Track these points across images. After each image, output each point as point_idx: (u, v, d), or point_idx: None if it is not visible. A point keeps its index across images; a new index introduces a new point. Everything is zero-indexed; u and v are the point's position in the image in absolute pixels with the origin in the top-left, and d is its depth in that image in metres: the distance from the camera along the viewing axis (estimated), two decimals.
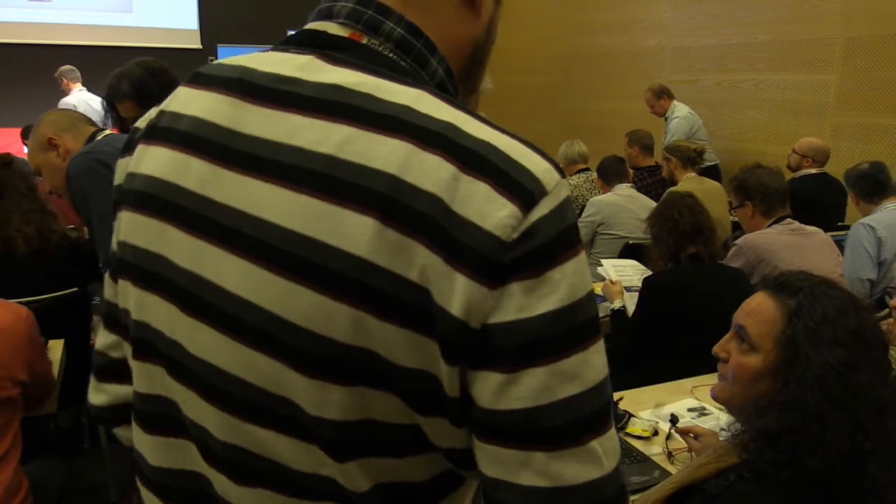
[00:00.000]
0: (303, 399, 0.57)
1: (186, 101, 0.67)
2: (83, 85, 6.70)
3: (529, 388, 0.53)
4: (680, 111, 5.65)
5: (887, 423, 1.11)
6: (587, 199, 4.36)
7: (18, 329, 1.79)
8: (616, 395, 2.00)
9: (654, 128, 5.87)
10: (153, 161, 0.67)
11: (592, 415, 0.55)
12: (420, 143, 0.55)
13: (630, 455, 1.82)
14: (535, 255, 0.54)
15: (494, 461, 0.55)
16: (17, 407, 1.83)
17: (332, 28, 0.64)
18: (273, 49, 0.66)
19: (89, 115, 2.91)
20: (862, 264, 3.27)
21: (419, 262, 0.53)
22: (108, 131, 2.34)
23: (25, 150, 5.72)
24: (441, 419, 0.57)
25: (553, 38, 7.87)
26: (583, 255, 0.57)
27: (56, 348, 2.32)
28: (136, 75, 2.40)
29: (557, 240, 0.55)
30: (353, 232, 0.54)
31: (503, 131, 0.58)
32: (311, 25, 0.66)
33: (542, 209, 0.54)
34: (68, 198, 2.22)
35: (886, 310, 2.72)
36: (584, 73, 7.49)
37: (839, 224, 4.17)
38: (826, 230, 3.20)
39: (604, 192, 4.06)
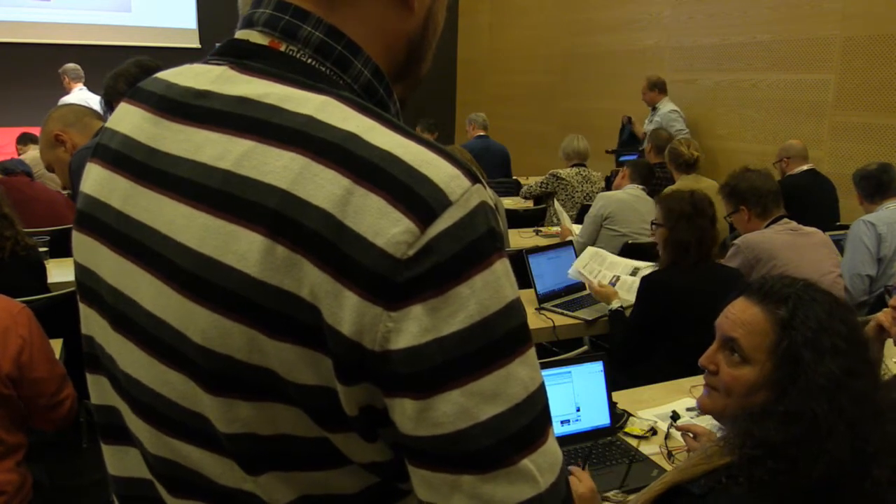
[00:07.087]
0: (212, 416, 0.57)
1: (121, 118, 0.68)
2: (83, 84, 6.66)
3: (446, 414, 0.51)
4: (669, 105, 5.85)
5: (886, 427, 1.10)
6: (577, 191, 4.73)
7: (6, 323, 1.79)
8: (615, 395, 2.00)
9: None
10: (91, 179, 0.69)
11: (521, 432, 0.53)
12: (316, 157, 0.52)
13: (628, 454, 1.82)
14: (437, 272, 0.50)
15: (426, 485, 0.54)
16: (13, 406, 1.83)
17: (254, 36, 0.62)
18: (202, 61, 0.65)
19: None
20: (862, 260, 3.28)
21: (308, 280, 0.51)
22: None
23: (19, 155, 5.71)
24: (351, 434, 0.55)
25: (551, 37, 7.87)
26: (499, 265, 0.53)
27: (55, 348, 2.31)
28: (132, 74, 2.42)
29: (464, 253, 0.51)
30: (244, 249, 0.52)
31: (414, 138, 0.54)
32: (236, 34, 0.64)
33: (445, 221, 0.51)
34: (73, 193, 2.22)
35: (886, 309, 2.71)
36: (582, 72, 7.49)
37: (837, 224, 4.18)
38: (822, 228, 3.21)
39: (622, 184, 4.19)
